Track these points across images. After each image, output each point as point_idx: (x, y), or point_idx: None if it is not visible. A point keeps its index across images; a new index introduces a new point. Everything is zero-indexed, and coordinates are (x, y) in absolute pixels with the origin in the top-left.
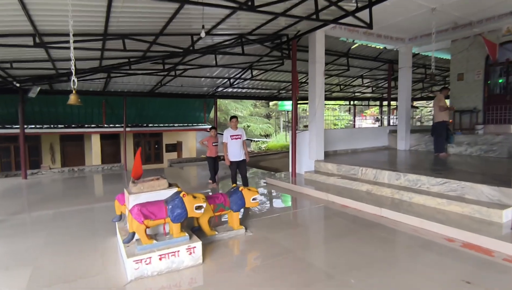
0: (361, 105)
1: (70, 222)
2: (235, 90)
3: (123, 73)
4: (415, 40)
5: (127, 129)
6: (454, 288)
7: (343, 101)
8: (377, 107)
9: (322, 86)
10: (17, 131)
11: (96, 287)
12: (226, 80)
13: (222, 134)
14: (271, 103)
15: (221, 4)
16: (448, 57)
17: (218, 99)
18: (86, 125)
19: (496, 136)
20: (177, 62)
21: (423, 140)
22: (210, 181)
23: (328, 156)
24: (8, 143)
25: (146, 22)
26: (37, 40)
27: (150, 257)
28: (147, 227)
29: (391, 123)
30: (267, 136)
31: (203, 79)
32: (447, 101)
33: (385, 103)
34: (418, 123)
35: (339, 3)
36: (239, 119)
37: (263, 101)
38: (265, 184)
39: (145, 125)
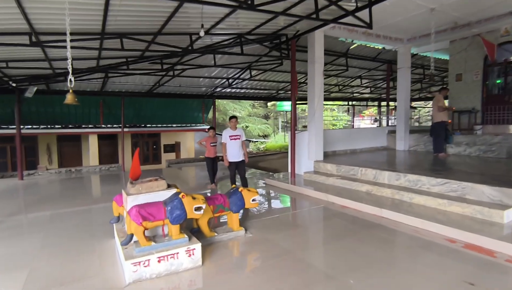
0: (360, 105)
1: (67, 223)
2: (233, 90)
3: (121, 73)
4: (414, 40)
5: (125, 129)
6: None
7: (341, 102)
8: (376, 108)
9: (321, 86)
10: (14, 131)
11: None
12: (225, 80)
13: (221, 135)
14: (269, 104)
15: (220, 2)
16: (446, 57)
17: (216, 100)
18: (83, 126)
19: (495, 136)
20: (176, 62)
21: (422, 141)
22: (212, 184)
23: (327, 156)
24: (4, 144)
25: (144, 21)
26: (34, 39)
27: (148, 260)
28: (146, 228)
29: (389, 124)
30: (265, 136)
31: (201, 79)
32: (446, 102)
33: (383, 103)
34: (416, 124)
35: (339, 3)
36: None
37: (262, 101)
38: (264, 185)
39: (143, 125)
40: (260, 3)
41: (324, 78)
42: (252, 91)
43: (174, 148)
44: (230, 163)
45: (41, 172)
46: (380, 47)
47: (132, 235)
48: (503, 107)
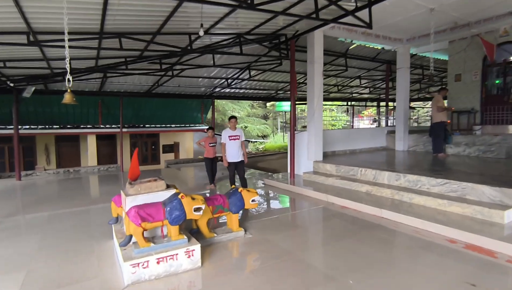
0: (358, 105)
1: (65, 224)
2: (232, 90)
3: (120, 73)
4: (413, 40)
5: (124, 129)
6: None
7: (340, 102)
8: (374, 108)
9: (320, 87)
10: (11, 131)
11: None
12: (224, 80)
13: (220, 135)
14: (268, 104)
15: (220, 1)
16: (445, 58)
17: (215, 100)
18: (82, 126)
19: (494, 136)
20: (175, 62)
21: (421, 141)
22: (211, 185)
23: (327, 156)
24: (2, 144)
25: (143, 20)
26: (31, 38)
27: (147, 261)
28: (145, 229)
29: (389, 124)
30: (264, 137)
31: (200, 79)
32: (445, 102)
33: (382, 103)
34: (415, 124)
35: (339, 2)
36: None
37: (261, 102)
38: (263, 185)
39: (141, 125)
40: (260, 2)
41: (324, 78)
42: (251, 91)
43: (173, 148)
44: (229, 163)
45: (39, 172)
46: (379, 47)
47: (131, 236)
48: (502, 107)
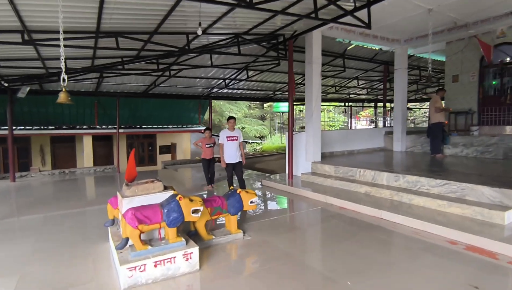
0: (356, 106)
1: (60, 226)
2: (230, 91)
3: (116, 73)
4: (411, 41)
5: (120, 130)
6: None
7: (337, 103)
8: (372, 109)
9: (319, 87)
10: (6, 132)
11: None
12: (221, 80)
13: (218, 136)
14: (265, 105)
15: (220, 0)
16: (442, 59)
17: (213, 100)
18: (77, 126)
19: (492, 137)
20: (172, 62)
21: (419, 142)
22: (209, 186)
23: (325, 157)
24: None
25: (140, 19)
26: (26, 37)
27: (144, 264)
28: (142, 232)
29: (386, 125)
30: (261, 137)
31: (198, 79)
32: (443, 102)
33: (379, 104)
34: (412, 125)
35: (338, 2)
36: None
37: (258, 102)
38: (261, 186)
39: (138, 126)
40: (259, 1)
41: (321, 79)
42: (248, 92)
43: (170, 149)
44: (227, 164)
45: (33, 173)
46: (377, 48)
47: (127, 239)
48: (499, 108)
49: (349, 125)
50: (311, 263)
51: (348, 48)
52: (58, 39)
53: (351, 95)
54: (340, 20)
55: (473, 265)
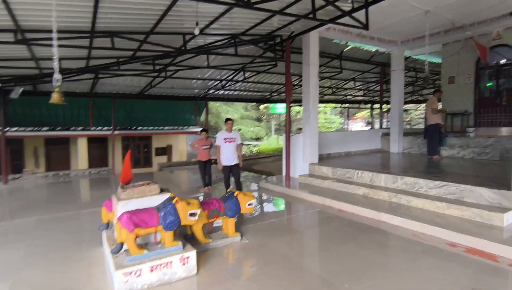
0: (352, 107)
1: (53, 230)
2: (226, 92)
3: (112, 73)
4: (408, 43)
5: (116, 132)
6: None
7: (334, 104)
8: (368, 110)
9: (316, 88)
10: None
11: None
12: (218, 82)
13: (215, 137)
14: (261, 106)
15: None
16: (438, 60)
17: (209, 102)
18: (72, 128)
19: (488, 138)
20: (168, 63)
21: (416, 143)
22: (205, 188)
23: (322, 159)
24: None
25: (136, 19)
26: (19, 37)
27: (140, 269)
28: (137, 236)
29: (383, 126)
30: (258, 139)
31: (194, 81)
32: (439, 104)
33: (376, 106)
34: (408, 126)
35: (336, 3)
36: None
37: (254, 104)
38: (257, 188)
39: (134, 127)
40: (257, 1)
41: (318, 81)
42: (245, 93)
43: (166, 151)
44: (224, 166)
45: (26, 176)
46: (373, 50)
47: (122, 243)
48: (495, 109)
49: (346, 126)
50: (310, 266)
51: (345, 50)
52: (51, 38)
53: (348, 97)
54: (338, 21)
55: (474, 267)
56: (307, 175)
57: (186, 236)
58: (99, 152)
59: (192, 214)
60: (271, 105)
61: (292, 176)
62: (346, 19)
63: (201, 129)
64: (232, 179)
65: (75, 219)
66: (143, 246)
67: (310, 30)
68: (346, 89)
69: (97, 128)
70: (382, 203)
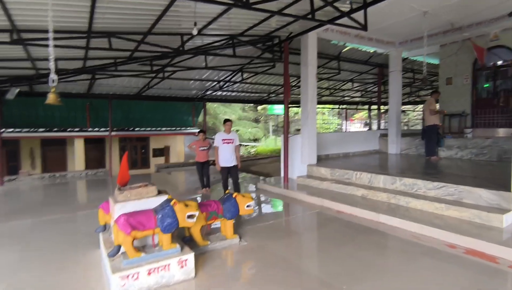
0: (350, 108)
1: (49, 232)
2: (224, 93)
3: (109, 74)
4: (405, 44)
5: (113, 133)
6: None
7: (332, 105)
8: (366, 111)
9: (314, 89)
10: None
11: None
12: (216, 83)
13: (212, 138)
14: (259, 107)
15: (216, 0)
16: (435, 62)
17: (207, 103)
18: (69, 129)
19: (486, 139)
20: (166, 64)
21: (414, 144)
22: (203, 189)
23: (320, 160)
24: None
25: (133, 19)
26: (15, 37)
27: (137, 272)
28: (135, 238)
29: (381, 127)
30: (255, 140)
31: (192, 81)
32: (437, 105)
33: (373, 107)
34: (405, 127)
35: (334, 4)
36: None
37: (252, 105)
38: (255, 189)
39: (131, 129)
40: (255, 1)
41: (317, 81)
42: (243, 94)
43: (163, 152)
44: (222, 168)
45: (22, 177)
46: (371, 51)
47: (119, 246)
48: (492, 110)
49: (344, 127)
50: (308, 268)
51: (343, 51)
52: (48, 38)
53: (345, 98)
54: (337, 22)
55: (473, 269)
56: (305, 176)
57: (184, 238)
58: (96, 154)
59: (190, 216)
60: (268, 106)
61: (291, 177)
62: (344, 20)
63: (198, 130)
64: (230, 181)
65: (72, 221)
66: (141, 248)
67: (308, 31)
68: (344, 90)
69: (94, 129)
70: (381, 204)
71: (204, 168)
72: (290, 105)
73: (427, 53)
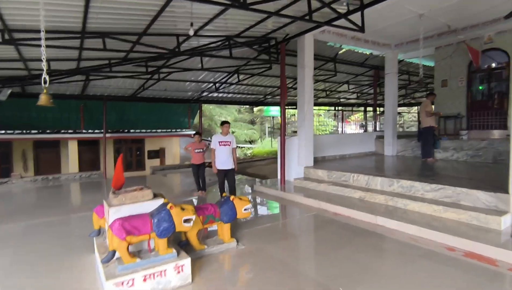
0: (346, 110)
1: (42, 236)
2: (220, 95)
3: (103, 75)
4: (401, 46)
5: (107, 134)
6: None
7: (327, 107)
8: (361, 113)
9: (311, 91)
10: None
11: None
12: (212, 84)
13: (208, 140)
14: (255, 109)
15: (213, 0)
16: (431, 64)
17: (203, 104)
18: (62, 131)
19: (481, 141)
20: (161, 65)
21: (410, 146)
22: (199, 192)
23: (317, 162)
24: None
25: (128, 19)
26: (6, 37)
27: (133, 279)
28: (130, 243)
29: (377, 129)
30: (251, 142)
31: (187, 83)
32: (433, 107)
33: (369, 109)
34: (401, 129)
35: (332, 5)
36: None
37: (248, 106)
38: (251, 192)
39: (126, 130)
40: (253, 2)
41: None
42: (239, 96)
43: (158, 154)
44: (219, 170)
45: (15, 180)
46: (368, 53)
47: (114, 251)
48: (487, 112)
49: (341, 129)
50: (306, 271)
51: (339, 52)
52: (40, 38)
53: (342, 100)
54: (334, 23)
55: (472, 272)
56: (302, 178)
57: (180, 243)
58: (90, 156)
59: (187, 221)
60: (264, 107)
61: (287, 179)
62: (342, 22)
63: (194, 132)
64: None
65: (65, 225)
66: (136, 254)
67: (305, 32)
68: (340, 92)
69: (88, 131)
70: (379, 206)
71: (199, 170)
72: (286, 107)
73: (423, 56)
